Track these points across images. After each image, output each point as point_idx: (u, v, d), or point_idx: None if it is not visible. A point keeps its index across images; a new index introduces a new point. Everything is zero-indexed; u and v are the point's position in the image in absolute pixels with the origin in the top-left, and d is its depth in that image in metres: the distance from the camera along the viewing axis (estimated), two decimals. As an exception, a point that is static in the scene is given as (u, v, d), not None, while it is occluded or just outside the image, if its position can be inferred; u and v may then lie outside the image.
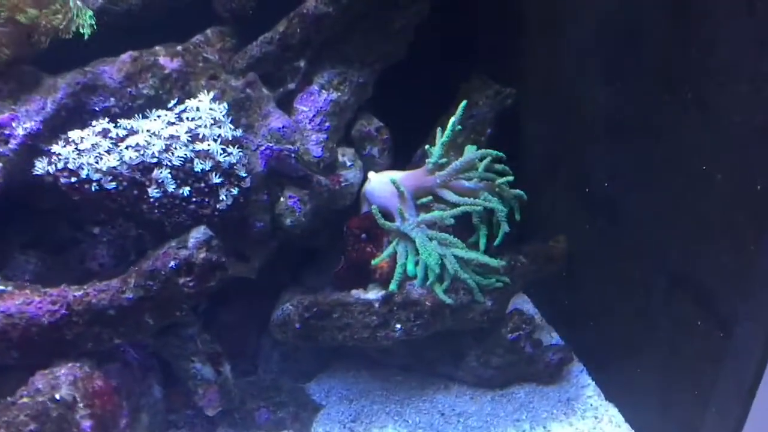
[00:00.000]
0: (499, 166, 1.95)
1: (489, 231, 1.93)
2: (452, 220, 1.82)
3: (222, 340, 2.04)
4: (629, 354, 1.91)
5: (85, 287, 1.76)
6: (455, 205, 1.87)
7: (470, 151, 1.97)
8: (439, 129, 1.95)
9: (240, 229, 1.91)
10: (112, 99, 1.89)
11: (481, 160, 1.92)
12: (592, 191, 1.97)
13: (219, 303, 2.13)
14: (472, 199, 1.87)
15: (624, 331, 1.90)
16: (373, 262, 1.90)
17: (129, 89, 1.90)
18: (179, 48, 2.01)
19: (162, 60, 1.95)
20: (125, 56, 1.93)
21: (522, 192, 1.93)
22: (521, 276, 1.97)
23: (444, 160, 1.89)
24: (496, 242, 1.92)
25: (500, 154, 1.91)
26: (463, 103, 1.93)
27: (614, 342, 1.98)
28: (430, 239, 1.84)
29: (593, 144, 1.93)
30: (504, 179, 1.89)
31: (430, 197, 1.91)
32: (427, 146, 1.95)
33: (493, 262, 1.86)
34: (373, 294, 1.90)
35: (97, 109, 1.88)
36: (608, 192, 1.89)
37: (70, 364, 1.74)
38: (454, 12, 2.28)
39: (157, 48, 1.99)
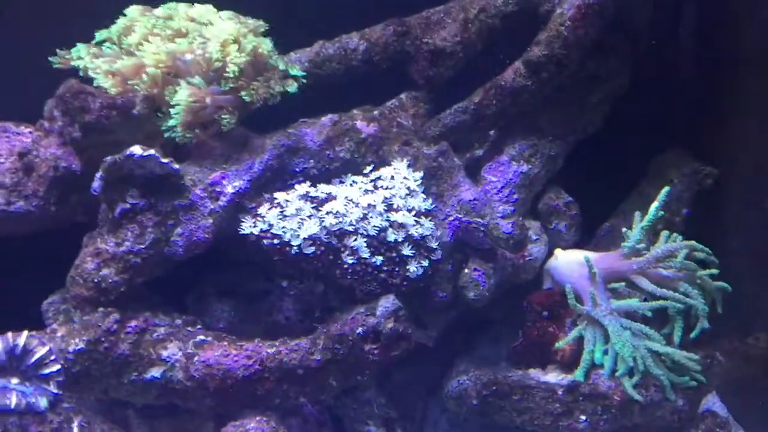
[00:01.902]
0: (699, 254, 1.84)
1: (685, 322, 1.83)
2: (650, 313, 1.74)
3: (392, 400, 2.06)
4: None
5: (277, 344, 1.84)
6: (651, 293, 1.79)
7: (666, 236, 1.88)
8: (638, 213, 1.87)
9: (423, 298, 1.92)
10: (312, 161, 1.97)
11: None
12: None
13: (390, 365, 2.15)
14: (671, 292, 1.77)
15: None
16: (557, 344, 1.85)
17: (327, 152, 1.97)
18: (375, 113, 2.06)
19: (359, 124, 2.01)
20: (326, 120, 2.01)
21: (726, 285, 1.81)
22: (717, 376, 1.84)
23: (642, 245, 1.81)
24: (691, 336, 1.81)
25: (706, 249, 1.80)
26: (666, 189, 1.84)
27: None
28: (624, 329, 1.77)
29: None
30: (708, 272, 1.78)
31: (623, 283, 1.84)
32: (624, 229, 1.87)
33: (692, 363, 1.75)
34: (554, 377, 1.85)
35: (297, 170, 1.97)
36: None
37: (258, 418, 1.82)
38: (650, 84, 2.19)
39: (354, 112, 2.05)
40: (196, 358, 1.82)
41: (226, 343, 1.86)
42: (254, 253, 1.98)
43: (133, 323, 1.84)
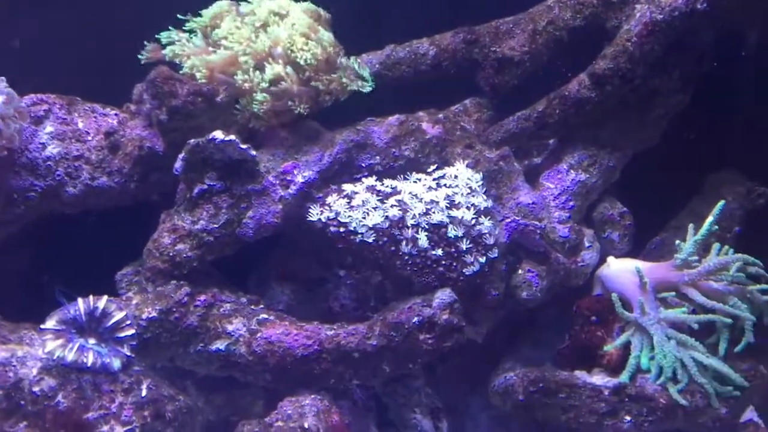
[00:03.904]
0: (751, 269, 1.89)
1: (731, 334, 1.87)
2: (697, 326, 1.79)
3: (437, 393, 2.14)
4: None
5: (336, 327, 1.94)
6: (700, 305, 1.84)
7: (717, 249, 1.93)
8: (691, 225, 1.93)
9: (476, 295, 2.00)
10: (377, 158, 2.06)
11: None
12: None
13: (438, 357, 2.23)
14: (720, 305, 1.82)
15: None
16: (605, 347, 1.91)
17: (393, 150, 2.06)
18: (440, 116, 2.15)
19: (425, 126, 2.10)
20: (393, 119, 2.10)
21: (775, 301, 1.86)
22: (759, 388, 1.88)
23: (695, 258, 1.87)
24: (737, 349, 1.86)
25: (758, 262, 1.85)
26: (721, 203, 1.90)
27: None
28: (669, 338, 1.82)
29: None
30: (759, 287, 1.83)
31: (673, 293, 1.89)
32: (677, 241, 1.93)
33: (735, 376, 1.80)
34: (600, 379, 1.90)
35: (363, 165, 2.06)
36: None
37: (312, 396, 1.91)
38: (708, 103, 2.25)
39: (420, 114, 2.15)
40: (258, 335, 1.92)
41: (287, 323, 1.96)
42: (316, 241, 2.08)
43: (203, 297, 1.95)
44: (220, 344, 1.92)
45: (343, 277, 2.15)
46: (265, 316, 1.97)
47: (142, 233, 2.07)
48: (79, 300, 1.81)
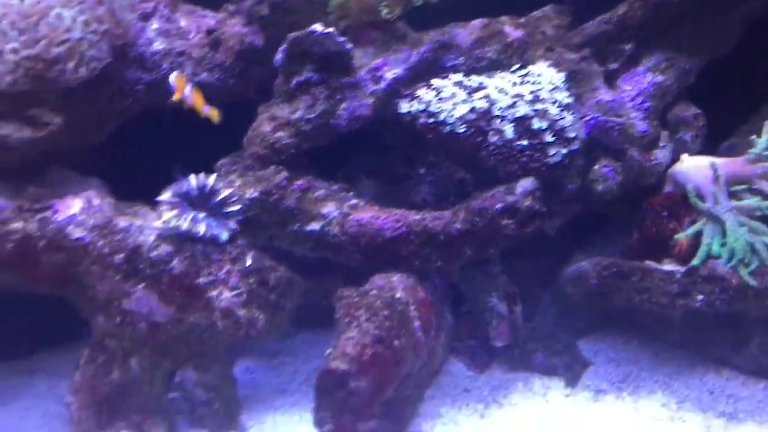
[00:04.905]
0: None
1: (799, 226, 1.97)
2: (768, 212, 1.90)
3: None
4: None
5: (422, 213, 2.08)
6: (772, 197, 1.94)
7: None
8: (766, 122, 2.01)
9: (554, 187, 2.12)
10: (461, 58, 2.17)
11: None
12: None
13: (512, 251, 2.36)
14: (791, 194, 1.92)
15: None
16: (676, 236, 2.02)
17: (476, 51, 2.18)
18: (522, 20, 2.25)
19: (507, 29, 2.21)
20: (476, 22, 2.21)
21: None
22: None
23: (768, 152, 1.96)
24: (804, 239, 1.95)
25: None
26: (797, 100, 1.98)
27: None
28: (741, 225, 1.93)
29: None
30: (829, 179, 1.92)
31: (745, 186, 1.99)
32: (752, 137, 2.02)
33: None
34: (671, 267, 2.02)
35: (447, 65, 2.18)
36: None
37: (399, 274, 2.06)
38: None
39: (502, 18, 2.25)
40: (350, 217, 2.07)
41: (376, 207, 2.11)
42: (401, 138, 2.22)
43: (299, 182, 2.10)
44: (315, 225, 2.08)
45: (423, 174, 2.28)
46: (356, 201, 2.12)
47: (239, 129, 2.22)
48: (191, 176, 1.98)
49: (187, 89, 1.93)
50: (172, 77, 1.94)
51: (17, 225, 1.90)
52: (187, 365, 2.10)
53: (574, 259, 2.22)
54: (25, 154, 1.95)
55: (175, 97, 1.94)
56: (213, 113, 1.98)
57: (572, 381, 2.21)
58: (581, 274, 2.10)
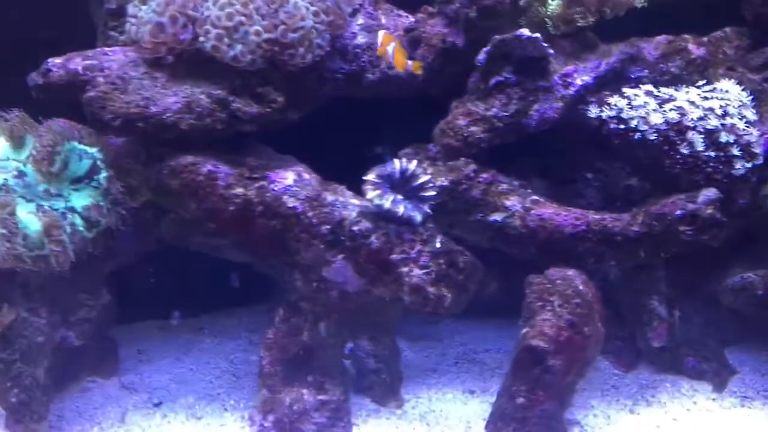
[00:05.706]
0: None
1: None
2: None
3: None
4: None
5: (601, 214, 2.20)
6: None
7: None
8: None
9: (728, 200, 2.21)
10: (646, 71, 2.30)
11: None
12: None
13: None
14: None
15: None
16: None
17: (661, 65, 2.30)
18: (704, 39, 2.36)
19: (690, 46, 2.33)
20: (661, 38, 2.34)
21: None
22: None
23: None
24: None
25: None
26: None
27: None
28: None
29: None
30: None
31: None
32: None
33: None
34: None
35: (632, 76, 2.31)
36: None
37: (572, 269, 2.18)
38: None
39: (685, 36, 2.36)
40: (532, 211, 2.21)
41: (556, 205, 2.24)
42: (575, 142, 2.35)
43: (485, 175, 2.25)
44: (497, 216, 2.22)
45: (591, 179, 2.42)
46: (536, 197, 2.26)
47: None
48: (395, 160, 2.14)
49: (390, 47, 2.09)
50: (380, 33, 2.12)
51: (239, 190, 2.10)
52: (363, 335, 2.29)
53: (731, 272, 2.32)
54: (246, 128, 2.15)
55: (380, 51, 2.12)
56: (415, 66, 2.13)
57: (719, 386, 2.33)
58: (746, 285, 2.20)
